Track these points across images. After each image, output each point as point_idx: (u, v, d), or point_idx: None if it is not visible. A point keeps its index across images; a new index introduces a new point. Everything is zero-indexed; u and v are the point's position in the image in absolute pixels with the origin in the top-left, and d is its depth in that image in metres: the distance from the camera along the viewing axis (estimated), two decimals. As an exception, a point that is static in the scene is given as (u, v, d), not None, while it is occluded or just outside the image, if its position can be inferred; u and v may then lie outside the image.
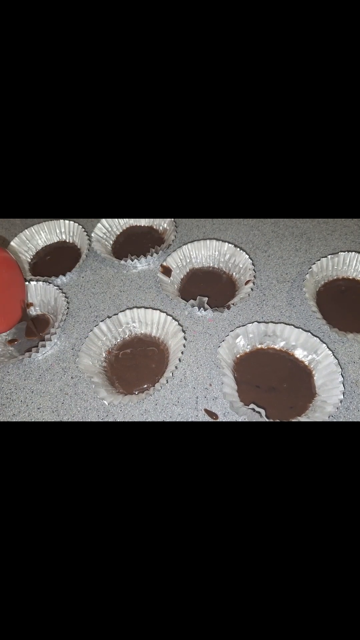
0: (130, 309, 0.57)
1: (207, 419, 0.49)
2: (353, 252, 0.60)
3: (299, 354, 0.52)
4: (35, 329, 0.58)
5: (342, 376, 0.48)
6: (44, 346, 0.55)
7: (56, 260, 0.68)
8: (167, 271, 0.62)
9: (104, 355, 0.55)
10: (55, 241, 0.71)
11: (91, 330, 0.55)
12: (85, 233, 0.68)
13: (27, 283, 0.61)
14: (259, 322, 0.53)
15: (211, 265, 0.64)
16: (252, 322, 0.53)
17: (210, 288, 0.61)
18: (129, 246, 0.68)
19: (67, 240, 0.71)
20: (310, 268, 0.58)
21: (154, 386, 0.50)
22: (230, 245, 0.63)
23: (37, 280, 0.61)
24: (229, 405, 0.49)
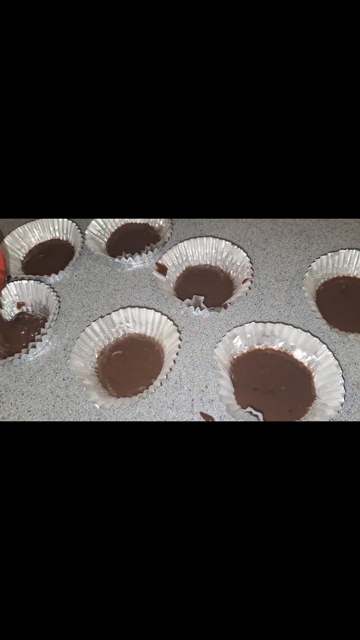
0: (124, 308, 0.55)
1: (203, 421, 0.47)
2: (354, 250, 0.58)
3: (298, 354, 0.51)
4: None
5: (343, 378, 0.46)
6: (34, 347, 0.54)
7: (49, 259, 0.67)
8: (162, 269, 0.60)
9: (97, 356, 0.53)
10: (49, 239, 0.69)
11: (83, 331, 0.53)
12: (79, 230, 0.66)
13: (18, 282, 0.59)
14: (256, 322, 0.52)
15: (208, 263, 0.63)
16: (250, 322, 0.52)
17: (207, 287, 0.60)
18: (124, 244, 0.67)
19: (61, 238, 0.69)
20: (310, 266, 0.57)
21: (147, 388, 0.48)
22: (227, 242, 0.61)
23: (28, 279, 0.60)
24: (225, 409, 0.48)
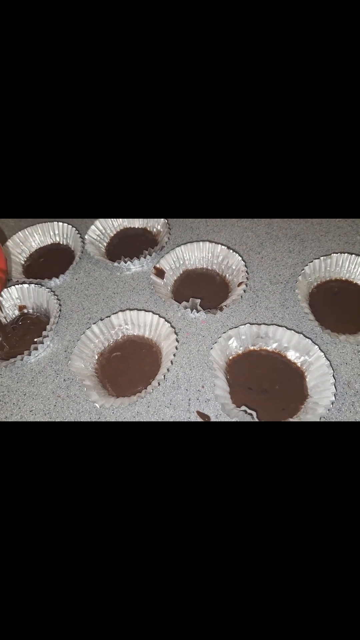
0: (122, 311, 0.57)
1: (200, 421, 0.49)
2: (346, 254, 0.60)
3: (292, 355, 0.52)
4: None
5: (334, 378, 0.48)
6: (36, 349, 0.55)
7: (50, 263, 0.68)
8: (160, 273, 0.61)
9: (96, 357, 0.55)
10: (49, 243, 0.71)
11: (83, 333, 0.55)
12: (79, 235, 0.68)
13: (19, 286, 0.61)
14: (251, 324, 0.53)
15: (204, 267, 0.64)
16: (245, 324, 0.53)
17: (204, 290, 0.61)
18: (123, 248, 0.68)
19: (61, 242, 0.70)
20: (303, 270, 0.58)
21: (146, 388, 0.50)
22: (223, 247, 0.62)
23: (29, 283, 0.61)
24: (220, 408, 0.49)
